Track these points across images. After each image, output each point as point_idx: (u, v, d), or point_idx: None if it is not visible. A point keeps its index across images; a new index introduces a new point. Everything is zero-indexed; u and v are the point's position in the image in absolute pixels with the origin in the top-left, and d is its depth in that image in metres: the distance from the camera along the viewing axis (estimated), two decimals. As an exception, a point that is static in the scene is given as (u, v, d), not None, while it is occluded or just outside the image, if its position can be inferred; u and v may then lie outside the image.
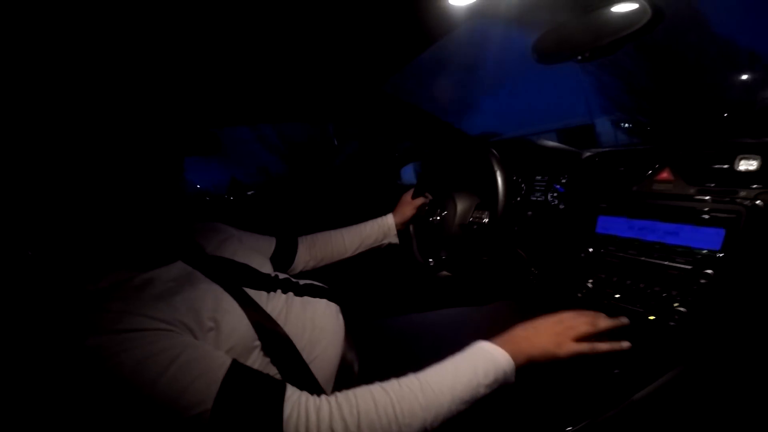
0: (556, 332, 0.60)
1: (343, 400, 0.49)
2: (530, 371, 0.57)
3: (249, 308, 0.61)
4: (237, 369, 0.50)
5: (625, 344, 0.61)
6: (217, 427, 0.45)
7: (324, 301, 0.77)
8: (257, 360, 0.58)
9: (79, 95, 0.60)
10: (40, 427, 0.50)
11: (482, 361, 0.56)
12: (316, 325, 0.71)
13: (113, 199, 0.56)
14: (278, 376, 0.58)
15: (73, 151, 0.54)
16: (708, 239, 0.66)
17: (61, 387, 0.48)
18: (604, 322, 0.61)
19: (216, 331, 0.55)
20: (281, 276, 0.77)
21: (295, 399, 0.49)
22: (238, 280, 0.66)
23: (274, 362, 0.59)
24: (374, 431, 0.47)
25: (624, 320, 0.64)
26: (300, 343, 0.65)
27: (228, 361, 0.50)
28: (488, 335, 0.90)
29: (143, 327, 0.48)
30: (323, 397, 0.50)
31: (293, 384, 0.52)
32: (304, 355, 0.65)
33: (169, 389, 0.45)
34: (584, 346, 0.59)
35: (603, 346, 0.60)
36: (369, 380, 0.75)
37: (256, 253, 0.80)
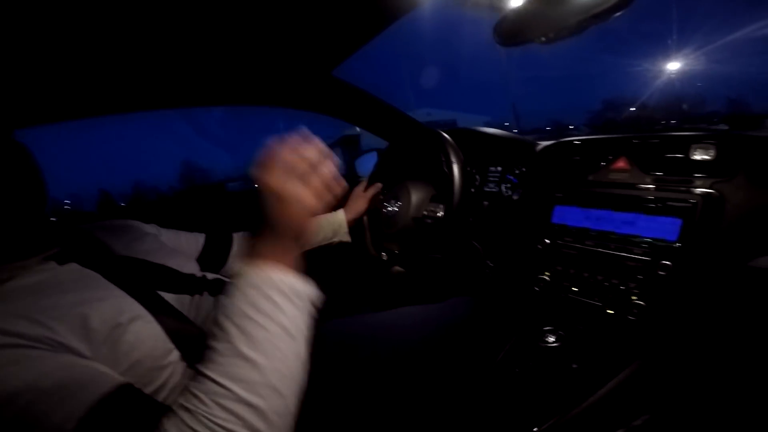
0: (284, 198, 0.46)
1: None
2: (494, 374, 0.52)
3: (164, 315, 0.52)
4: (104, 403, 0.38)
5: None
6: None
7: None
8: (175, 376, 0.48)
9: None
10: None
11: (261, 289, 0.44)
12: None
13: None
14: None
15: None
16: (665, 229, 0.65)
17: None
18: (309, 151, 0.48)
19: (113, 343, 0.45)
20: (210, 276, 0.66)
21: None
22: (150, 283, 0.56)
23: None
24: None
25: None
26: None
27: (99, 392, 0.38)
28: (446, 333, 0.87)
29: None
30: None
31: None
32: None
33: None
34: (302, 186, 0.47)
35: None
36: (322, 388, 0.67)
37: (176, 253, 0.69)
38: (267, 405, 0.39)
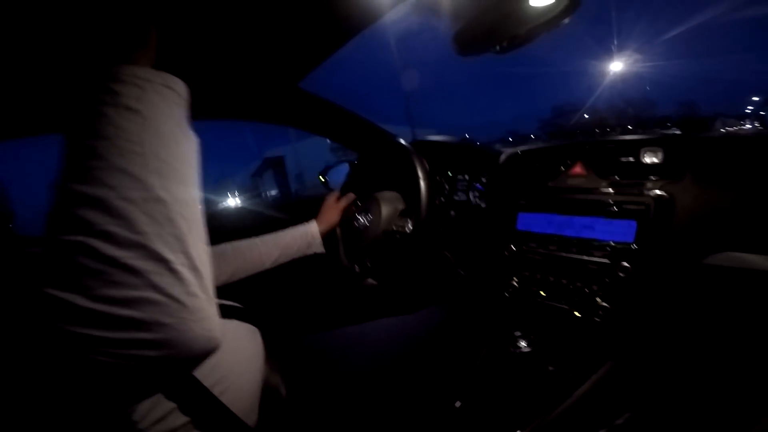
0: None
1: None
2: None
3: None
4: None
5: None
6: None
7: (235, 322, 0.65)
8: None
9: None
10: None
11: None
12: (225, 350, 0.59)
13: None
14: (178, 417, 0.47)
15: None
16: (622, 232, 0.67)
17: None
18: None
19: None
20: None
21: None
22: None
23: (168, 399, 0.47)
24: None
25: None
26: (203, 375, 0.53)
27: None
28: (422, 343, 0.86)
29: None
30: None
31: (201, 422, 0.46)
32: (209, 385, 0.53)
33: None
34: None
35: None
36: (299, 403, 0.64)
37: None
38: None
